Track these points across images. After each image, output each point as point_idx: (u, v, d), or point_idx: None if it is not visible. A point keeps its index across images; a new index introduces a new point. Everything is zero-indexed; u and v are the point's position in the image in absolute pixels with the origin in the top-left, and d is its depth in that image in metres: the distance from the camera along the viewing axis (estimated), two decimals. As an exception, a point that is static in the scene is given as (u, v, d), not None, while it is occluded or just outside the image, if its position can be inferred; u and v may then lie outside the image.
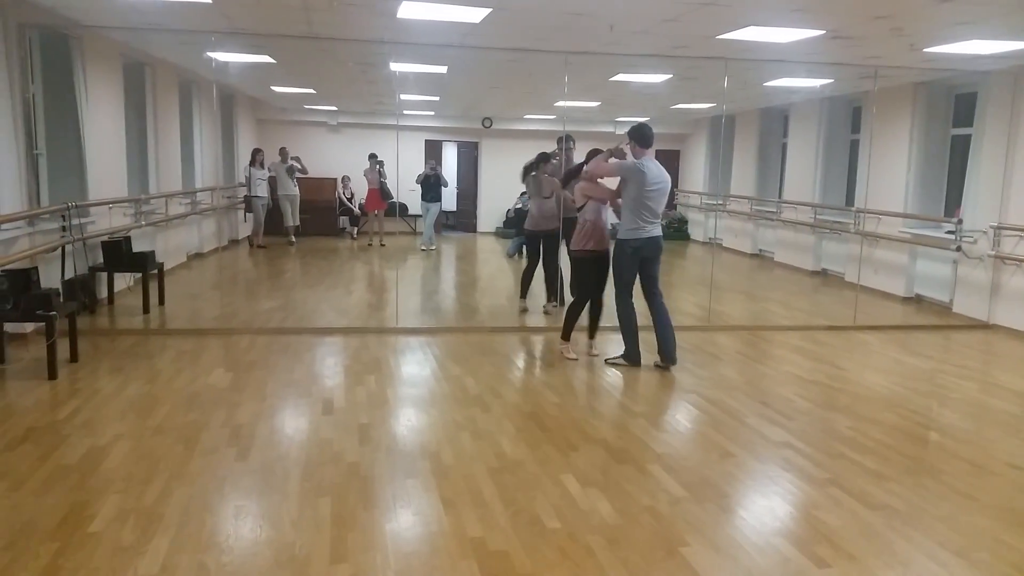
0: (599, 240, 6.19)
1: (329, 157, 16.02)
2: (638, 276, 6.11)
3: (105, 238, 7.55)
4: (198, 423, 4.54)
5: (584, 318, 6.45)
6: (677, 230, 17.00)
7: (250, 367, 5.84)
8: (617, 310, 6.21)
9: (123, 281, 8.29)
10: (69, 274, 6.87)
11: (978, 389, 5.89)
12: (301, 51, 8.33)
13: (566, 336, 6.40)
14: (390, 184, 13.90)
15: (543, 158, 7.93)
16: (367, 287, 10.05)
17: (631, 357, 6.17)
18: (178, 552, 3.05)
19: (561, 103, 12.02)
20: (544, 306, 8.13)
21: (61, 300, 5.93)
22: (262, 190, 13.07)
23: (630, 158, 6.06)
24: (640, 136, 6.04)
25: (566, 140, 7.89)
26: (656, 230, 6.03)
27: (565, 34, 6.78)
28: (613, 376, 5.94)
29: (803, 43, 6.87)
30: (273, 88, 12.27)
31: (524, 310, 8.13)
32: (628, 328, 6.18)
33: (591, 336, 6.56)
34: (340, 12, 6.13)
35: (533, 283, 8.19)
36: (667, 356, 6.11)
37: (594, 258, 6.20)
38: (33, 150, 6.49)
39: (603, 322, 6.57)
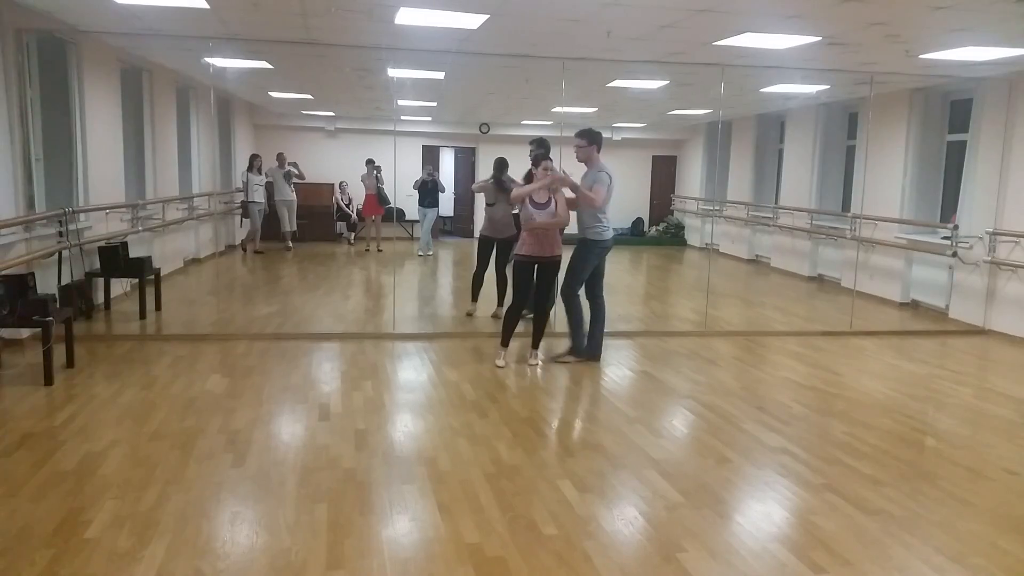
0: (542, 245, 6.06)
1: (326, 162, 16.03)
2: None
3: (102, 243, 7.54)
4: (194, 429, 4.53)
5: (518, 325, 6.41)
6: (674, 235, 17.04)
7: (247, 373, 5.83)
8: (570, 305, 6.34)
9: (120, 287, 8.27)
10: (65, 280, 6.86)
11: (974, 394, 5.90)
12: (299, 57, 8.34)
13: (505, 343, 6.27)
14: (387, 189, 13.91)
15: (502, 164, 7.95)
16: (364, 292, 10.05)
17: (580, 351, 6.36)
18: (174, 558, 3.04)
19: (558, 109, 12.04)
20: (495, 311, 8.08)
21: (57, 306, 5.92)
22: (259, 195, 13.06)
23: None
24: (599, 141, 6.29)
25: (539, 145, 7.59)
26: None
27: (562, 40, 6.80)
28: (610, 382, 5.95)
29: (799, 49, 6.90)
30: (270, 93, 12.28)
31: (470, 314, 8.16)
32: (579, 323, 6.37)
33: (534, 346, 6.38)
34: (338, 18, 6.14)
35: (484, 287, 8.22)
36: (598, 352, 6.44)
37: (533, 263, 6.12)
38: (30, 155, 6.49)
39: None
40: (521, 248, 6.14)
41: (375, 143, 15.54)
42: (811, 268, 11.85)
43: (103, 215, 7.84)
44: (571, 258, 6.29)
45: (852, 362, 6.78)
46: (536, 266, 6.12)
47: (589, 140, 6.24)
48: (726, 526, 3.51)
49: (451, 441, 4.48)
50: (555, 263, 6.16)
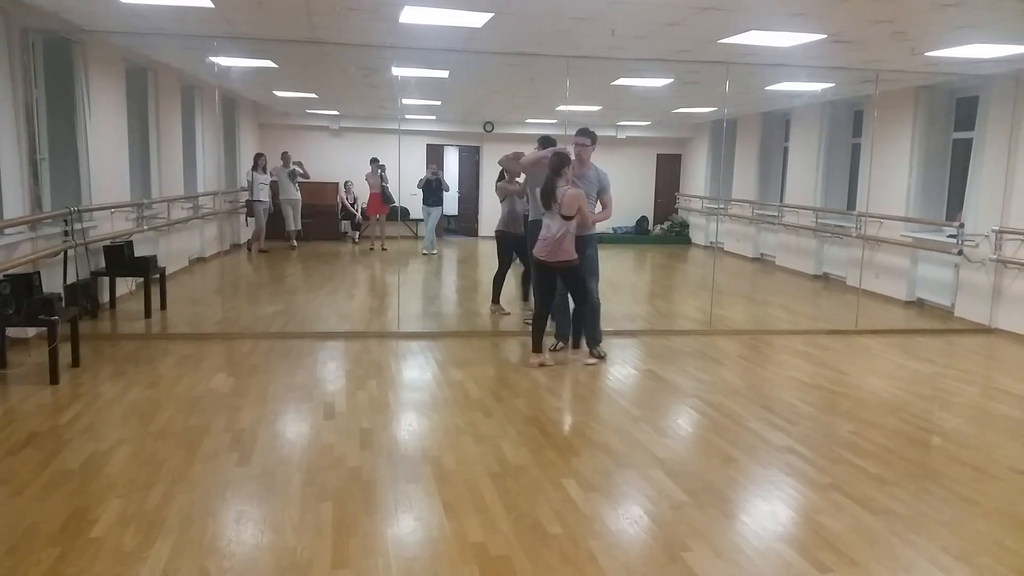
0: (553, 251, 5.97)
1: (331, 161, 16.04)
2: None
3: (107, 243, 7.55)
4: (200, 428, 4.54)
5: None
6: (678, 234, 17.02)
7: (252, 372, 5.84)
8: (597, 303, 6.46)
9: (125, 286, 8.29)
10: (71, 279, 6.88)
11: (980, 393, 5.88)
12: (303, 56, 8.35)
13: (577, 343, 6.41)
14: (392, 188, 13.92)
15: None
16: (369, 291, 10.06)
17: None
18: (180, 557, 3.05)
19: (563, 107, 12.03)
20: (498, 307, 8.19)
21: (63, 305, 5.92)
22: (264, 194, 13.08)
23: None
24: (595, 139, 6.46)
25: (544, 142, 7.20)
26: None
27: (567, 38, 6.79)
28: (614, 381, 5.94)
29: (804, 47, 6.88)
30: (275, 92, 12.29)
31: (507, 313, 8.16)
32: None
33: (577, 345, 6.57)
34: (342, 17, 6.15)
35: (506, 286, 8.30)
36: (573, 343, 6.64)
37: (546, 267, 6.05)
38: (35, 155, 6.51)
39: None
40: (574, 250, 5.98)
41: (379, 142, 15.53)
42: (816, 266, 11.82)
43: (108, 214, 7.85)
44: (593, 258, 6.38)
45: (858, 361, 6.76)
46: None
47: (593, 140, 6.42)
48: (731, 525, 3.50)
49: (456, 440, 4.48)
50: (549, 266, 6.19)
